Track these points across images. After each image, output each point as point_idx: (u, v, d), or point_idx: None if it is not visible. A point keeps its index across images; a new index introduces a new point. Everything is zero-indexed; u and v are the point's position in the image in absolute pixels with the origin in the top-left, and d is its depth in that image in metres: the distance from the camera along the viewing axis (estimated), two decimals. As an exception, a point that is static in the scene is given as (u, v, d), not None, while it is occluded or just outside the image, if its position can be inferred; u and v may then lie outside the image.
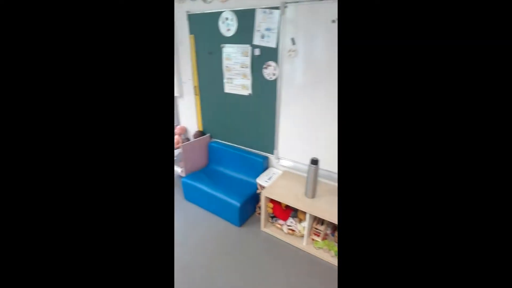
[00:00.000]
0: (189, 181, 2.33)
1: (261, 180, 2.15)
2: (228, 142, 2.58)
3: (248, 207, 2.15)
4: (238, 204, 2.01)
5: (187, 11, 2.30)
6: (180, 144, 2.69)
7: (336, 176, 1.96)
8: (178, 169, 2.55)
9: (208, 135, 2.66)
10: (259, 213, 2.22)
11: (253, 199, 2.19)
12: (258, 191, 2.16)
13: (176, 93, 2.71)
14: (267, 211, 2.05)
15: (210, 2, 2.15)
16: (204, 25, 2.25)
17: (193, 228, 2.10)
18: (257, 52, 2.02)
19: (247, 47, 2.06)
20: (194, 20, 2.31)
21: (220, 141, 2.63)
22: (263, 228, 2.07)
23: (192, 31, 2.36)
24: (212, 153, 2.62)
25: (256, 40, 1.99)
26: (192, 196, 2.39)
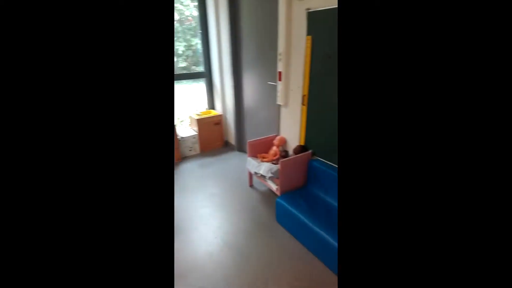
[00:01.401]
0: (284, 203, 2.04)
1: (378, 225, 1.62)
2: (333, 163, 2.14)
3: (354, 255, 1.68)
4: (343, 251, 1.57)
5: (307, 9, 1.99)
6: (278, 156, 2.45)
7: None
8: (273, 186, 2.31)
9: (310, 151, 2.30)
10: (368, 266, 1.71)
11: (362, 246, 1.69)
12: (371, 239, 1.65)
13: (280, 102, 2.47)
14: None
15: (338, -5, 1.76)
16: (327, 24, 1.88)
17: (282, 260, 1.80)
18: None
19: (383, 50, 1.56)
20: (315, 18, 1.97)
21: (323, 160, 2.22)
22: None
23: (310, 31, 2.03)
24: (312, 173, 2.24)
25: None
26: (285, 220, 2.09)
